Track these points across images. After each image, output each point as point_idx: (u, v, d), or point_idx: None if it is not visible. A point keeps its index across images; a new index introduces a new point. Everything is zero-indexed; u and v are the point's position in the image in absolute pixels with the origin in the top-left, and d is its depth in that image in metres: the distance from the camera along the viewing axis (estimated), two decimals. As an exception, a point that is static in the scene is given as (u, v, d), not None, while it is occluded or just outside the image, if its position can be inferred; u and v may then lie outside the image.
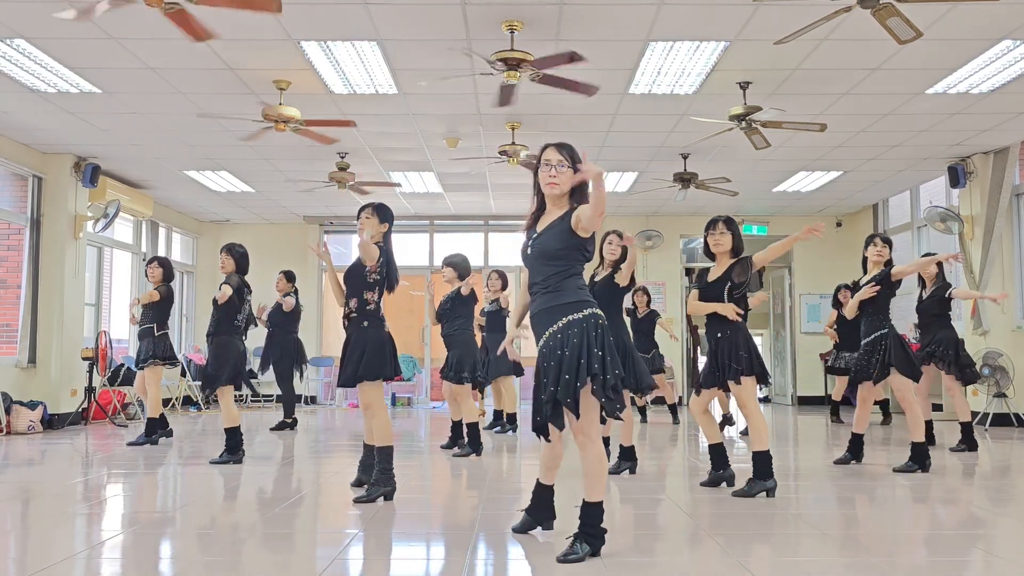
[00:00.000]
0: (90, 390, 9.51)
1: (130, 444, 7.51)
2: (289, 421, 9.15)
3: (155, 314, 7.76)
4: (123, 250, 12.03)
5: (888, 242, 6.01)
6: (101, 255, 11.38)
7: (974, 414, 9.45)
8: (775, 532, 3.92)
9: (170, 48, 6.37)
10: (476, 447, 6.82)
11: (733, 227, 4.96)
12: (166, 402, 11.05)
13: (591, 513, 3.38)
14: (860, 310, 5.98)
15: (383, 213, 4.88)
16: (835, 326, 9.63)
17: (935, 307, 7.10)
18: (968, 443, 6.95)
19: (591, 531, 3.37)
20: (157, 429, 7.65)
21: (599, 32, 6.10)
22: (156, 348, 7.67)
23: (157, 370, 7.70)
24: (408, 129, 8.57)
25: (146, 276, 7.98)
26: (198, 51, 6.41)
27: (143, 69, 6.82)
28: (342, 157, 9.59)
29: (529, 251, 3.51)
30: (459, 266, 7.07)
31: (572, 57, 5.74)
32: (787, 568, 3.25)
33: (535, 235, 3.52)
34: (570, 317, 3.36)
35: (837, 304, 9.69)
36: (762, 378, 4.90)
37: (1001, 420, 9.19)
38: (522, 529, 3.82)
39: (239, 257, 6.71)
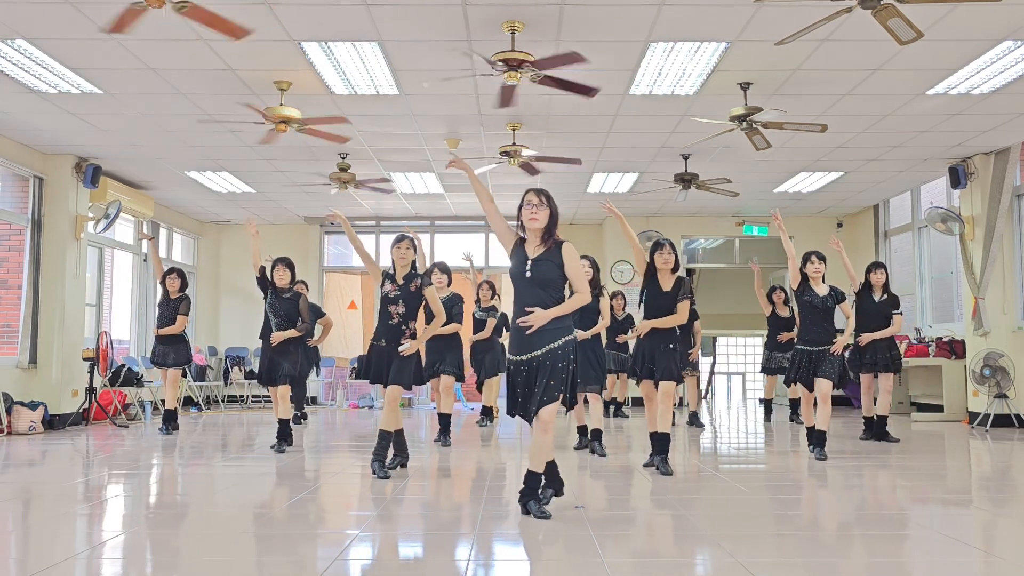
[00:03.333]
0: (91, 391, 9.52)
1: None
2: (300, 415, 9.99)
3: (159, 318, 8.71)
4: (124, 251, 12.04)
5: (824, 259, 6.61)
6: (102, 256, 11.39)
7: (975, 415, 9.47)
8: (774, 532, 3.92)
9: (171, 49, 6.37)
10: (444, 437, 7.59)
11: (675, 249, 5.86)
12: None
13: (538, 479, 4.27)
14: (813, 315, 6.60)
15: (415, 244, 5.95)
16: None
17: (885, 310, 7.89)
18: (881, 434, 7.76)
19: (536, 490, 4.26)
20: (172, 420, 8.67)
21: (600, 33, 6.11)
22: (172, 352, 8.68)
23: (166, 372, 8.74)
24: (409, 130, 8.57)
25: (163, 285, 8.75)
26: (199, 52, 6.42)
27: (144, 70, 6.83)
28: (343, 158, 9.60)
29: (529, 274, 4.18)
30: (450, 272, 7.89)
31: (573, 58, 5.77)
32: (787, 568, 3.25)
33: (528, 259, 4.22)
34: (567, 337, 4.20)
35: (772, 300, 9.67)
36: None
37: (1002, 421, 9.18)
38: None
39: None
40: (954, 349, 10.19)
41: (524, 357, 4.18)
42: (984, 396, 9.32)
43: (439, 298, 7.66)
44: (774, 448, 7.50)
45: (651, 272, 5.80)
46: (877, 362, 7.82)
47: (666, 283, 5.77)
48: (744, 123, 7.22)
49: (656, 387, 5.78)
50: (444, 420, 7.65)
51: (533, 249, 4.24)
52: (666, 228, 13.37)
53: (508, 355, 4.28)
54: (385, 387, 5.68)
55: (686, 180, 9.74)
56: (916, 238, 11.62)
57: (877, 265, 7.95)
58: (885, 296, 7.86)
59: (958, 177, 9.68)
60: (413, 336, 5.69)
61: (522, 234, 4.35)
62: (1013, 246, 9.50)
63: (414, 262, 5.77)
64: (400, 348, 5.60)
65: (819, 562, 3.34)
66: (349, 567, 3.30)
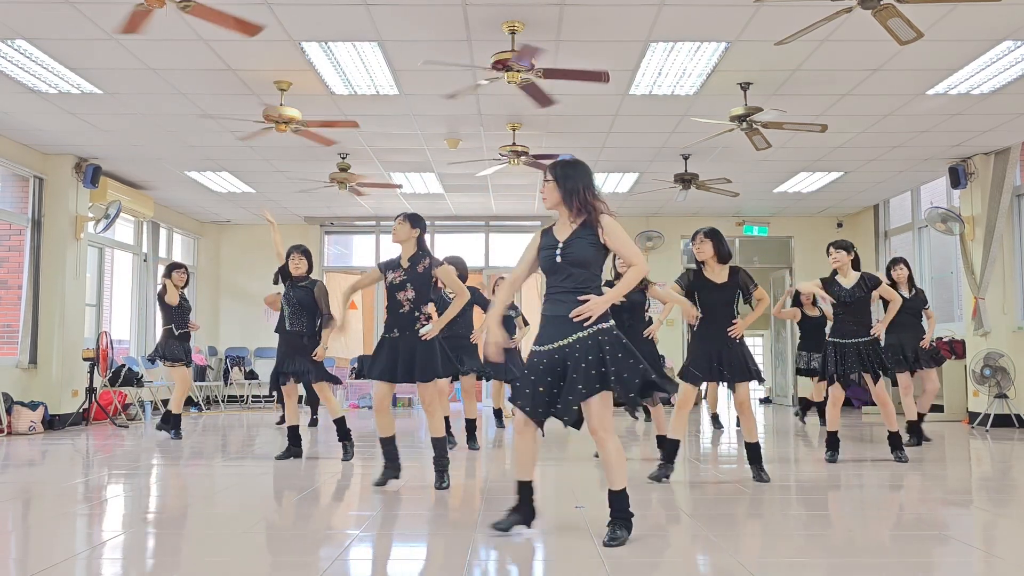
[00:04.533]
0: (91, 391, 9.52)
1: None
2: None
3: (177, 317, 8.31)
4: (124, 251, 12.04)
5: (844, 247, 6.36)
6: (102, 256, 11.39)
7: (975, 415, 9.47)
8: (775, 532, 3.92)
9: (171, 49, 6.37)
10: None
11: (713, 236, 5.46)
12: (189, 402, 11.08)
13: (620, 500, 3.68)
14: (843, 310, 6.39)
15: (415, 221, 5.26)
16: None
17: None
18: (913, 431, 7.41)
19: (623, 515, 3.67)
20: (173, 422, 8.19)
21: (600, 33, 6.10)
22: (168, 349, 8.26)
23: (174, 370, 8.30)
24: (409, 130, 8.57)
25: (170, 280, 8.32)
26: (199, 52, 6.41)
27: (144, 70, 6.83)
28: (343, 158, 9.60)
29: (559, 258, 3.70)
30: (460, 266, 7.27)
31: (599, 76, 5.82)
32: (787, 568, 3.25)
33: (558, 243, 3.73)
34: (602, 325, 3.65)
35: (798, 304, 9.56)
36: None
37: (1002, 421, 9.18)
38: (506, 527, 3.79)
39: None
40: (954, 349, 10.18)
41: (546, 347, 3.68)
42: (984, 396, 9.32)
43: (450, 295, 7.33)
44: (775, 448, 7.50)
45: (694, 267, 5.43)
46: (917, 359, 7.46)
47: (717, 275, 5.36)
48: (744, 123, 7.22)
49: (734, 390, 5.38)
50: (469, 425, 7.27)
51: (565, 231, 3.76)
52: (666, 228, 13.39)
53: (532, 346, 3.78)
54: (393, 383, 5.09)
55: (686, 180, 9.74)
56: (916, 238, 11.62)
57: (896, 261, 7.70)
58: (914, 291, 7.59)
59: (958, 177, 9.68)
60: (428, 320, 5.20)
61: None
62: (1013, 246, 9.50)
63: (419, 241, 5.22)
64: (421, 331, 5.10)
65: (820, 562, 3.34)
66: (349, 567, 3.30)
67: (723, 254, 5.38)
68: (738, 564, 3.27)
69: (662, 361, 6.59)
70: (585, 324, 3.61)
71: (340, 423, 6.66)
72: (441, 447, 5.23)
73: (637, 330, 6.38)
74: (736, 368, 5.29)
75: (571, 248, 3.68)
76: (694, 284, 5.42)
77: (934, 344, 7.77)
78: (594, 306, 3.58)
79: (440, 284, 7.00)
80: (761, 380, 5.45)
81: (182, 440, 8.11)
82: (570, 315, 3.60)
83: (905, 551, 3.54)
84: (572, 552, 3.51)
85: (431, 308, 5.37)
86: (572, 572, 3.20)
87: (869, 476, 5.64)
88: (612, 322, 3.69)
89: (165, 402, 11.61)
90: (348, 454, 6.53)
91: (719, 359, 5.31)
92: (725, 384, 5.44)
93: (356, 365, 13.18)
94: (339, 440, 6.64)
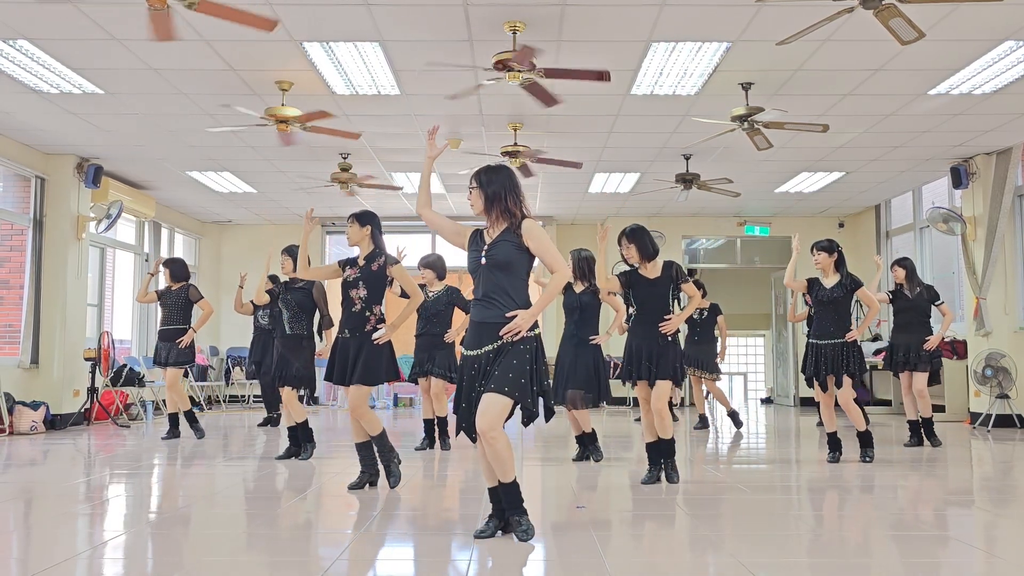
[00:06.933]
0: (92, 390, 9.52)
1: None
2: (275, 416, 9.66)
3: (185, 315, 8.11)
4: (125, 251, 12.05)
5: (826, 248, 6.37)
6: (104, 256, 11.40)
7: (976, 415, 9.46)
8: (775, 532, 3.92)
9: (172, 49, 6.37)
10: (433, 442, 7.29)
11: (635, 238, 5.30)
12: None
13: (513, 491, 3.72)
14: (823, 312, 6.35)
15: (363, 219, 5.21)
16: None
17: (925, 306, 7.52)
18: (929, 434, 7.43)
19: (518, 504, 3.72)
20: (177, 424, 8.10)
21: (601, 33, 6.11)
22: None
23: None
24: (410, 130, 8.57)
25: (169, 279, 8.14)
26: (200, 52, 6.42)
27: (145, 70, 6.83)
28: (344, 158, 9.61)
29: (484, 260, 3.75)
30: (436, 266, 7.25)
31: (601, 75, 5.81)
32: (787, 568, 3.25)
33: (484, 245, 3.78)
34: (528, 333, 3.68)
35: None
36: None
37: (1004, 421, 9.17)
38: (489, 535, 3.75)
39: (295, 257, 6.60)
40: (956, 349, 10.17)
41: (473, 352, 3.73)
42: (986, 396, 9.31)
43: (429, 294, 7.14)
44: (775, 449, 7.50)
45: (628, 268, 5.37)
46: (910, 360, 7.39)
47: (650, 271, 5.29)
48: (745, 123, 7.22)
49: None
50: (442, 424, 7.23)
51: (491, 235, 3.81)
52: (667, 228, 13.38)
53: (462, 349, 3.82)
54: (347, 386, 5.04)
55: (687, 180, 9.74)
56: (918, 238, 11.61)
57: (895, 262, 7.64)
58: (919, 290, 7.45)
59: (960, 177, 9.67)
60: (381, 321, 5.08)
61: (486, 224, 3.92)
62: (1015, 246, 9.50)
63: (374, 238, 5.19)
64: (375, 336, 4.98)
65: (820, 563, 3.34)
66: (349, 567, 3.30)
67: (648, 253, 5.29)
68: (738, 564, 3.27)
69: (609, 365, 6.60)
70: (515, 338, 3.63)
71: (302, 426, 6.58)
72: (381, 443, 5.11)
73: (586, 333, 6.28)
74: (662, 366, 5.22)
75: (494, 250, 3.73)
76: (630, 281, 5.36)
77: (951, 342, 7.57)
78: (522, 323, 3.60)
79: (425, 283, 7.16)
80: (679, 384, 5.39)
81: (175, 440, 8.01)
82: (500, 333, 3.62)
83: (906, 551, 3.53)
84: (573, 552, 3.51)
85: (423, 308, 5.26)
86: (573, 572, 3.20)
87: (870, 476, 5.64)
88: (537, 331, 3.72)
89: (165, 402, 11.61)
90: (306, 453, 6.54)
91: (649, 357, 5.24)
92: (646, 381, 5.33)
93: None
94: (300, 441, 6.59)
